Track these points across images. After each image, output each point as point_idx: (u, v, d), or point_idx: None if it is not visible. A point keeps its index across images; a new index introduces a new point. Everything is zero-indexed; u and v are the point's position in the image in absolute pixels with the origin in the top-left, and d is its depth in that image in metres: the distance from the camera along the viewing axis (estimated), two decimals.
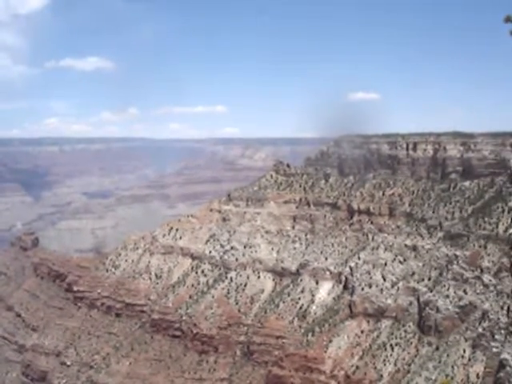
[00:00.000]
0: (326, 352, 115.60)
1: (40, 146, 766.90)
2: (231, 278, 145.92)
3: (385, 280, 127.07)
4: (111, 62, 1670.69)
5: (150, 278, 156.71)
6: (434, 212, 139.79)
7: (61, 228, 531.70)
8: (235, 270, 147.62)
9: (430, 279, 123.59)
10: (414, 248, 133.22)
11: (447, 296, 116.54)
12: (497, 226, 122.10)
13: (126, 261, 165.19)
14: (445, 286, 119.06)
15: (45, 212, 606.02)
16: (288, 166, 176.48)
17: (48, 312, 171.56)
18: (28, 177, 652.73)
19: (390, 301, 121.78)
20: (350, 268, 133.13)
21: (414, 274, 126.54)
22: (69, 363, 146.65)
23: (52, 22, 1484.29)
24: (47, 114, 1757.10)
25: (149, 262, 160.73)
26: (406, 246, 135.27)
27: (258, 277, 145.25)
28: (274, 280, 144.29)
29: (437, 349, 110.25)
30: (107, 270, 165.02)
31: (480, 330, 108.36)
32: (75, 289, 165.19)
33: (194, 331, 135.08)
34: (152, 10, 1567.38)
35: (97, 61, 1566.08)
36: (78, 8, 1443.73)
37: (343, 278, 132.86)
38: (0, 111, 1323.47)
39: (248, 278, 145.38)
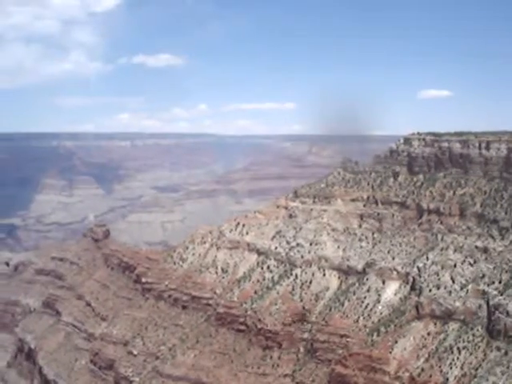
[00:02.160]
0: (390, 353, 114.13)
1: (112, 141, 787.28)
2: (296, 275, 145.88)
3: (454, 282, 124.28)
4: (182, 58, 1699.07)
5: (217, 272, 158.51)
6: (506, 213, 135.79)
7: (131, 221, 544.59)
8: (300, 267, 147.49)
9: (500, 282, 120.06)
10: (485, 250, 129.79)
11: None
12: None
13: (193, 254, 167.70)
14: None
15: (116, 205, 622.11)
16: (356, 163, 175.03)
17: (117, 302, 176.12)
18: (101, 170, 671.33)
19: (458, 303, 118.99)
20: (418, 268, 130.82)
21: (484, 276, 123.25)
22: (135, 353, 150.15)
23: (126, 19, 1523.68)
24: (120, 110, 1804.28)
25: (215, 256, 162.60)
26: (476, 247, 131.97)
27: (324, 274, 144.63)
28: (339, 278, 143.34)
29: (505, 354, 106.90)
30: (175, 263, 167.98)
31: None
32: (144, 280, 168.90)
33: (259, 326, 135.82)
34: (223, 8, 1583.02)
35: (168, 58, 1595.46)
36: (151, 6, 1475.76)
37: (410, 279, 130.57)
38: (75, 107, 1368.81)
39: (313, 275, 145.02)
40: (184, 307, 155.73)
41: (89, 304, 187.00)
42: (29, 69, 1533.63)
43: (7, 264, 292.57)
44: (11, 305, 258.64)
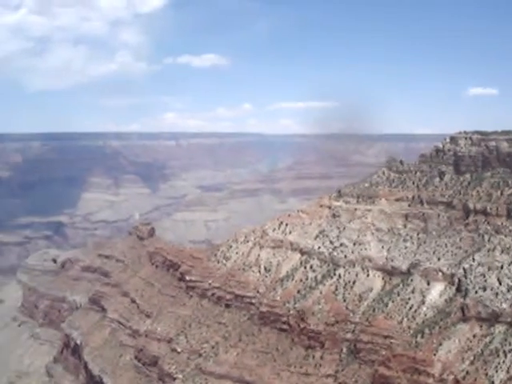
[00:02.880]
0: (435, 355, 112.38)
1: (158, 140, 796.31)
2: (340, 275, 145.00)
3: (500, 284, 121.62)
4: (227, 58, 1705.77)
5: (260, 271, 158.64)
6: None
7: (176, 219, 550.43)
8: (344, 267, 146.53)
9: None
10: None
11: None
12: None
13: (237, 253, 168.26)
14: None
15: (161, 203, 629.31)
16: (401, 162, 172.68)
17: (161, 299, 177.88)
18: (146, 169, 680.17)
19: (505, 305, 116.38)
20: (464, 270, 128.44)
21: None
22: (179, 350, 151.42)
23: (171, 20, 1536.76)
24: (165, 110, 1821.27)
25: (258, 255, 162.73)
26: None
27: (367, 275, 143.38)
28: (383, 279, 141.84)
29: None
30: (218, 262, 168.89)
31: None
32: (187, 278, 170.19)
33: (301, 326, 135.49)
34: (267, 7, 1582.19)
35: (213, 58, 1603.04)
36: (196, 6, 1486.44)
37: (456, 280, 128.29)
38: (121, 106, 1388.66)
39: (357, 275, 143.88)
40: (227, 305, 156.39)
41: (134, 301, 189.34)
42: (76, 69, 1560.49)
43: (54, 261, 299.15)
44: (58, 301, 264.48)
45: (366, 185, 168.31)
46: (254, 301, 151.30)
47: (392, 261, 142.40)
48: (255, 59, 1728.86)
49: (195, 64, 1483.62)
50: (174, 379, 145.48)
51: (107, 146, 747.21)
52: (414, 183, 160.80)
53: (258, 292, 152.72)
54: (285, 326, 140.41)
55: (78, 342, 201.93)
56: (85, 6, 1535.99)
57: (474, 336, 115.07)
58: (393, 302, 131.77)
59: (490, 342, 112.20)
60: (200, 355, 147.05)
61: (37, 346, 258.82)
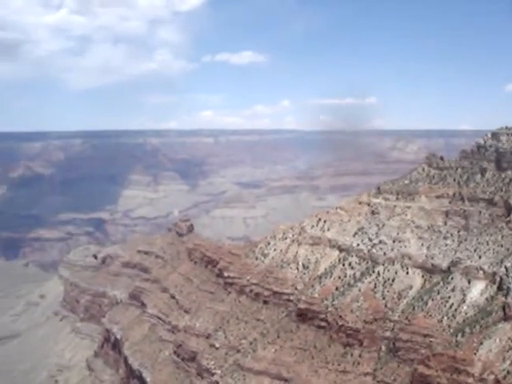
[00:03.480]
0: (475, 354, 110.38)
1: (196, 137, 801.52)
2: (379, 273, 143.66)
3: None
4: (265, 55, 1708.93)
5: (298, 268, 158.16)
6: None
7: (214, 216, 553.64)
8: (383, 265, 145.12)
9: None
10: None
11: None
12: None
13: (275, 250, 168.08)
14: None
15: (200, 200, 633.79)
16: (441, 158, 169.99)
17: (200, 295, 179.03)
18: (185, 166, 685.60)
19: None
20: (506, 268, 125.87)
21: None
22: (217, 346, 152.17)
23: (209, 18, 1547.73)
24: (203, 107, 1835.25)
25: (296, 252, 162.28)
26: None
27: (407, 272, 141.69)
28: (423, 277, 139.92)
29: None
30: (256, 258, 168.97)
31: None
32: (226, 275, 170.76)
33: (340, 323, 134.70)
34: (304, 4, 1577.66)
35: (251, 55, 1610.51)
36: (234, 4, 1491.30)
37: (498, 279, 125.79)
38: (160, 104, 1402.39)
39: (396, 273, 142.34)
40: (265, 302, 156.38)
41: (173, 297, 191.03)
42: (116, 68, 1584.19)
43: (95, 257, 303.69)
44: (99, 296, 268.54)
45: (406, 181, 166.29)
46: (291, 298, 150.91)
47: (432, 258, 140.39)
48: (293, 56, 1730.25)
49: (233, 61, 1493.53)
50: (213, 375, 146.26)
51: (147, 143, 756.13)
52: (454, 180, 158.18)
53: (295, 289, 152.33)
54: (323, 324, 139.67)
55: (118, 336, 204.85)
56: (124, 6, 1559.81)
57: None
58: (433, 300, 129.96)
59: None
60: (238, 351, 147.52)
61: (78, 340, 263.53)
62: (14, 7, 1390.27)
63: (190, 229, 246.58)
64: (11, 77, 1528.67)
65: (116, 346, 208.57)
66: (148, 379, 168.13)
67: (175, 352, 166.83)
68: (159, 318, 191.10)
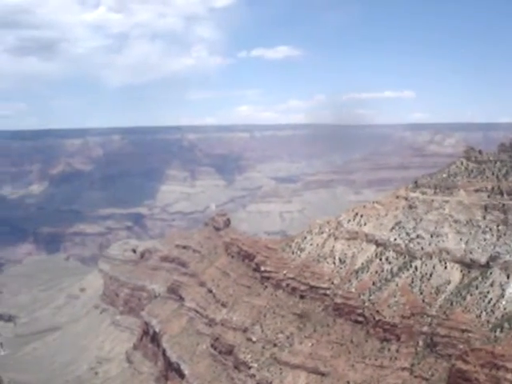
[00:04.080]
0: None
1: (232, 133, 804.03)
2: (416, 267, 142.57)
3: None
4: (300, 50, 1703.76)
5: (334, 263, 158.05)
6: None
7: (251, 210, 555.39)
8: (421, 259, 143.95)
9: None
10: None
11: None
12: None
13: (311, 244, 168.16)
14: None
15: (236, 195, 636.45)
16: (480, 152, 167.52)
17: (237, 289, 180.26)
18: (221, 162, 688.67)
19: None
20: None
21: None
22: (254, 339, 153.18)
23: (245, 13, 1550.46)
24: (239, 102, 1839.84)
25: (333, 246, 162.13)
26: None
27: (445, 267, 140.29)
28: (461, 271, 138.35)
29: None
30: (293, 253, 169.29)
31: None
32: (262, 269, 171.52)
33: (377, 318, 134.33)
34: None
35: (286, 50, 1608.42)
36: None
37: None
38: (197, 100, 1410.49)
39: (434, 267, 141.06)
40: (302, 296, 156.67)
41: (210, 291, 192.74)
42: (153, 64, 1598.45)
43: (134, 251, 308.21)
44: (138, 290, 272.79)
45: (444, 175, 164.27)
46: (328, 292, 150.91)
47: (470, 253, 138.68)
48: (328, 50, 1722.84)
49: (268, 56, 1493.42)
50: (249, 368, 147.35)
51: (184, 139, 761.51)
52: (493, 173, 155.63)
53: (332, 283, 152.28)
54: (360, 318, 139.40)
55: (157, 329, 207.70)
56: (161, 3, 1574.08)
57: None
58: (471, 295, 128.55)
59: None
60: (275, 345, 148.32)
61: (117, 332, 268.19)
62: (53, 6, 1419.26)
63: (227, 223, 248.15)
64: (51, 75, 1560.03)
65: (155, 338, 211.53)
66: (186, 372, 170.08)
67: (212, 345, 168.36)
68: (197, 312, 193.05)
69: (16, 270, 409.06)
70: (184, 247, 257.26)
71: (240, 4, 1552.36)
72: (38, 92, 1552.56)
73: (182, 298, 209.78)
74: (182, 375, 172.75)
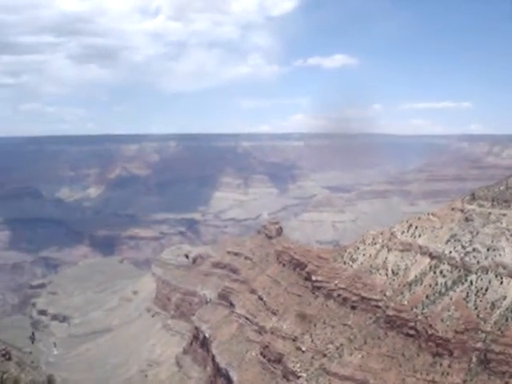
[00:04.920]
0: None
1: (287, 141, 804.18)
2: (471, 282, 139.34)
3: None
4: (356, 58, 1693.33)
5: (387, 274, 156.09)
6: None
7: (303, 219, 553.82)
8: (476, 273, 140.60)
9: None
10: None
11: None
12: None
13: (364, 255, 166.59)
14: None
15: (289, 203, 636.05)
16: None
17: (287, 298, 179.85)
18: (275, 169, 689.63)
19: None
20: None
21: None
22: (304, 349, 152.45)
23: (301, 22, 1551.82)
24: (294, 111, 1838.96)
25: (386, 257, 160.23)
26: None
27: (501, 282, 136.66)
28: None
29: None
30: (345, 263, 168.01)
31: None
32: (314, 278, 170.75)
33: (429, 332, 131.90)
34: (398, 6, 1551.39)
35: (343, 58, 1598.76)
36: (326, 8, 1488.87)
37: None
38: (252, 108, 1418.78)
39: (489, 282, 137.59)
40: (353, 307, 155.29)
41: (261, 298, 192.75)
42: (210, 72, 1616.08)
43: (187, 256, 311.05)
44: (189, 295, 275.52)
45: (502, 188, 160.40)
46: (380, 304, 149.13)
47: None
48: (385, 59, 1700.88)
49: (325, 65, 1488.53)
50: (298, 378, 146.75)
51: (239, 146, 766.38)
52: None
53: (384, 295, 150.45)
54: (412, 332, 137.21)
55: (207, 335, 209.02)
56: (218, 11, 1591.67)
57: None
58: None
59: None
60: (324, 355, 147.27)
61: (168, 336, 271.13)
62: (113, 15, 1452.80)
63: (279, 231, 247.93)
64: (110, 82, 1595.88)
65: (204, 344, 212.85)
66: (235, 378, 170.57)
67: (262, 353, 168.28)
68: (247, 319, 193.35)
69: (71, 271, 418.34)
70: (236, 254, 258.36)
71: (297, 12, 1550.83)
72: (98, 98, 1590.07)
73: (232, 305, 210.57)
74: (230, 382, 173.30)
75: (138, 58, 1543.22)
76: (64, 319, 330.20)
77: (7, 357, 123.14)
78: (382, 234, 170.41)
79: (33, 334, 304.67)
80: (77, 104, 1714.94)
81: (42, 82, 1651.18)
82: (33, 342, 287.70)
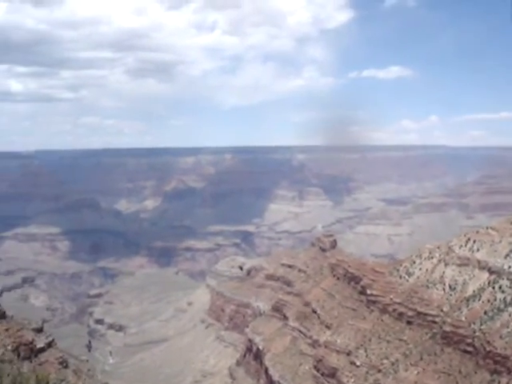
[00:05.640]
0: None
1: (342, 153, 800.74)
2: None
3: None
4: (412, 70, 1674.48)
5: (444, 289, 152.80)
6: None
7: (358, 232, 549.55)
8: None
9: None
10: None
11: None
12: None
13: (420, 269, 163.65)
14: None
15: (344, 216, 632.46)
16: None
17: (342, 312, 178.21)
18: (330, 182, 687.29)
19: None
20: None
21: None
22: (358, 364, 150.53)
23: (356, 34, 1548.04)
24: (349, 123, 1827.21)
25: (443, 272, 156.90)
26: None
27: None
28: None
29: None
30: (401, 277, 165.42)
31: None
32: (369, 292, 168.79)
33: (487, 349, 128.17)
34: (454, 16, 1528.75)
35: (398, 70, 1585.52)
36: (381, 20, 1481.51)
37: None
38: (307, 121, 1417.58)
39: None
40: (408, 322, 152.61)
41: (315, 311, 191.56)
42: (265, 86, 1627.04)
43: (241, 268, 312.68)
44: (243, 306, 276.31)
45: None
46: (437, 319, 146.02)
47: None
48: (442, 69, 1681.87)
49: (380, 77, 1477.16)
50: None
51: (293, 158, 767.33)
52: None
53: (441, 311, 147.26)
54: (469, 348, 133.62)
55: (260, 347, 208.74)
56: (273, 25, 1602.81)
57: None
58: None
59: None
60: (379, 371, 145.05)
61: (221, 348, 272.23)
62: (170, 30, 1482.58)
63: (333, 244, 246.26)
64: (167, 95, 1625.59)
65: (258, 356, 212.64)
66: None
67: (315, 367, 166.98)
68: (300, 332, 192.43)
69: (128, 281, 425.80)
70: (290, 266, 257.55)
71: (352, 25, 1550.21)
72: (155, 112, 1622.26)
73: (285, 317, 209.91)
74: None
75: (195, 73, 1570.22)
76: (120, 328, 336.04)
77: (65, 365, 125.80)
78: (439, 247, 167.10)
79: (89, 342, 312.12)
80: (134, 117, 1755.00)
81: (101, 97, 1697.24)
82: (89, 351, 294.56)
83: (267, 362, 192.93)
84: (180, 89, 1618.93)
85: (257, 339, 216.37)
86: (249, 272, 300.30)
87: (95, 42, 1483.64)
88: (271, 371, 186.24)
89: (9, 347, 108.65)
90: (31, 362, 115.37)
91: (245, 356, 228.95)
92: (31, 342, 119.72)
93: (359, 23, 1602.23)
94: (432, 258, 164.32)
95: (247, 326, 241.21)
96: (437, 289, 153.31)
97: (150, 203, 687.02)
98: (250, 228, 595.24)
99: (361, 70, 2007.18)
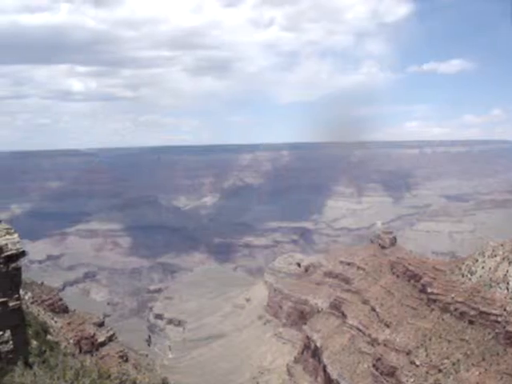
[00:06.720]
0: None
1: (401, 149, 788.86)
2: None
3: None
4: (475, 63, 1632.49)
5: (507, 288, 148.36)
6: None
7: (418, 229, 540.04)
8: None
9: None
10: None
11: None
12: None
13: (483, 268, 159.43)
14: None
15: (404, 213, 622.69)
16: None
17: (401, 310, 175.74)
18: (389, 178, 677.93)
19: None
20: None
21: None
22: (418, 363, 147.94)
23: (416, 27, 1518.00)
24: (408, 118, 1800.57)
25: (507, 271, 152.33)
26: None
27: None
28: None
29: None
30: (463, 275, 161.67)
31: None
32: (429, 291, 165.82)
33: None
34: None
35: (460, 63, 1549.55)
36: (441, 12, 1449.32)
37: None
38: (366, 116, 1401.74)
39: None
40: (470, 322, 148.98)
41: (373, 309, 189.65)
42: (323, 81, 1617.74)
43: (299, 265, 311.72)
44: (300, 303, 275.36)
45: None
46: (500, 319, 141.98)
47: None
48: (504, 62, 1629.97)
49: (441, 70, 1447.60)
50: None
51: (352, 154, 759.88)
52: None
53: (504, 310, 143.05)
54: None
55: (318, 344, 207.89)
56: (331, 20, 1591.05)
57: None
58: None
59: None
60: (439, 371, 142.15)
61: (279, 344, 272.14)
62: (228, 28, 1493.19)
63: (393, 241, 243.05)
64: (224, 92, 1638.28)
65: (316, 353, 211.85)
66: None
67: (374, 365, 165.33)
68: (359, 330, 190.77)
69: (187, 277, 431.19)
70: (348, 264, 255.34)
71: (411, 18, 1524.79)
72: (212, 109, 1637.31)
73: (344, 315, 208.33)
74: None
75: (252, 69, 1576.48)
76: (179, 323, 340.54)
77: (125, 359, 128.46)
78: (502, 245, 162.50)
79: (149, 337, 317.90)
80: (193, 115, 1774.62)
81: (160, 95, 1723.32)
82: (149, 345, 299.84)
83: (325, 360, 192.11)
84: (237, 86, 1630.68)
85: (315, 336, 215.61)
86: (306, 269, 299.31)
87: (154, 40, 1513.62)
88: (329, 369, 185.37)
89: (71, 341, 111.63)
90: (92, 355, 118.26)
91: (302, 353, 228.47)
92: (92, 336, 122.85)
93: (419, 16, 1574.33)
94: (495, 256, 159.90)
95: (305, 323, 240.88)
96: (500, 288, 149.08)
97: (208, 200, 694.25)
98: (308, 225, 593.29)
99: (420, 64, 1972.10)
